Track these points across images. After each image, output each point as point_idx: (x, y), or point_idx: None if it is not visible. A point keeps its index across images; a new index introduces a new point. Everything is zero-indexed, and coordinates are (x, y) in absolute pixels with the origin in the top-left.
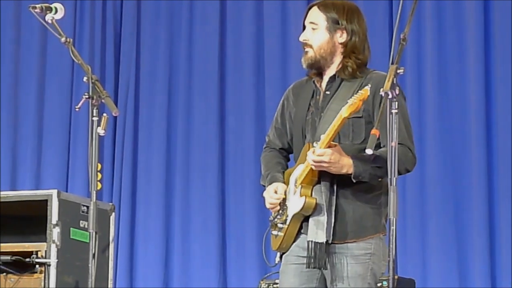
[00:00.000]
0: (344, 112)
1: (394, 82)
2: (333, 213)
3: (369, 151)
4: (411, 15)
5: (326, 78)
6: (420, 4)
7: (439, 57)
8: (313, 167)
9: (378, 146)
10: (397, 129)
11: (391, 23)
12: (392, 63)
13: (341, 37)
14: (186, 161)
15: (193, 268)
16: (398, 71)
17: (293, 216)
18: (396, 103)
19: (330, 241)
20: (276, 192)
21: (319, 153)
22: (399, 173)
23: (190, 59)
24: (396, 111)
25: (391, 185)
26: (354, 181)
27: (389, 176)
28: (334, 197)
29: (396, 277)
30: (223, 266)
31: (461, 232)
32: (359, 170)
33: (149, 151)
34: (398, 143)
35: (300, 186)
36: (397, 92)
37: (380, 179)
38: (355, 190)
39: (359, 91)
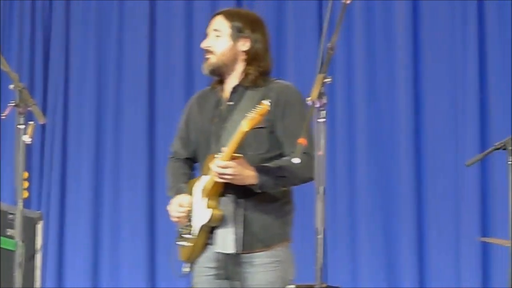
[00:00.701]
0: (244, 126)
1: (322, 91)
2: (240, 224)
3: (296, 160)
4: (338, 24)
5: (228, 87)
6: (349, 12)
7: (369, 65)
8: (217, 178)
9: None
10: (324, 138)
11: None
12: (320, 72)
13: (244, 45)
14: (115, 168)
15: (122, 275)
16: (325, 80)
17: (201, 228)
18: (323, 112)
19: (238, 252)
20: (181, 205)
21: (222, 166)
22: (303, 182)
23: (119, 65)
24: (323, 120)
25: (318, 193)
26: (259, 191)
27: (316, 185)
28: (241, 208)
29: (324, 285)
30: (153, 274)
31: (390, 239)
32: (262, 181)
33: (78, 158)
34: (302, 152)
35: (206, 198)
36: (324, 101)
37: (284, 188)
38: (261, 200)
39: (258, 105)
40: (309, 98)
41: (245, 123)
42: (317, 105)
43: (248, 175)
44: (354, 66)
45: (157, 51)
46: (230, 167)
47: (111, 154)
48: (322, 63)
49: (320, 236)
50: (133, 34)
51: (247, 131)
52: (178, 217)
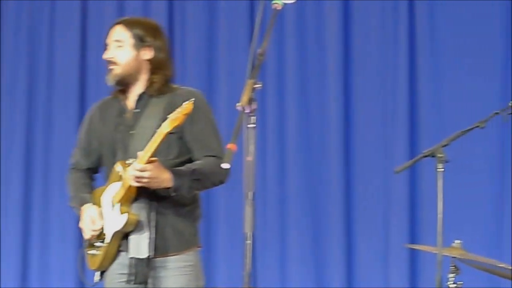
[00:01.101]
0: (166, 127)
1: (251, 97)
2: (153, 228)
3: (225, 166)
4: (269, 30)
5: (133, 95)
6: (281, 17)
7: (300, 71)
8: (133, 183)
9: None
10: (253, 143)
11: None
12: (250, 78)
13: (147, 54)
14: (45, 172)
15: (51, 279)
16: (256, 86)
17: (113, 234)
18: (253, 118)
19: (152, 256)
20: (93, 220)
21: (140, 169)
22: (214, 185)
23: (50, 66)
24: (253, 126)
25: (247, 199)
26: (174, 194)
27: (244, 190)
28: (153, 212)
29: None
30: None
31: (319, 244)
32: (178, 184)
33: (8, 163)
34: (213, 156)
35: (118, 204)
36: (254, 106)
37: (197, 192)
38: (173, 204)
39: (182, 105)
40: (239, 104)
41: (167, 124)
42: (247, 110)
43: (165, 178)
44: (285, 71)
45: (88, 51)
46: (148, 170)
47: (41, 159)
48: (252, 69)
49: (249, 242)
50: (64, 34)
51: (168, 132)
52: (93, 234)
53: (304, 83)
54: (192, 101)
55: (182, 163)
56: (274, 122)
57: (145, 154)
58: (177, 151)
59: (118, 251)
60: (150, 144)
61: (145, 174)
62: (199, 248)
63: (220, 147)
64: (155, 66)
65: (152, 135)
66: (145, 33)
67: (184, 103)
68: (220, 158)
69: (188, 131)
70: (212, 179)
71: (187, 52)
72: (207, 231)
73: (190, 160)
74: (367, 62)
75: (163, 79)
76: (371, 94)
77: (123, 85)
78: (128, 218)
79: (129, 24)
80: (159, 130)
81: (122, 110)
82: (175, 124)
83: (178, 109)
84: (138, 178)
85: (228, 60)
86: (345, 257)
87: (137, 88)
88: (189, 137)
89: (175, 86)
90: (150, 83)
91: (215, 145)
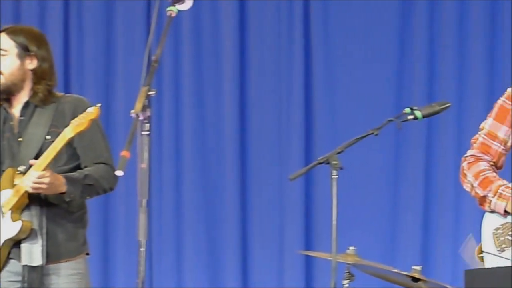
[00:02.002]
0: (69, 132)
1: (146, 104)
2: (45, 235)
3: (119, 173)
4: (163, 37)
5: (17, 104)
6: (176, 25)
7: (196, 77)
8: (30, 190)
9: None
10: (147, 150)
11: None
12: (144, 85)
13: (31, 63)
14: None
15: None
16: (150, 92)
17: (4, 242)
18: (148, 125)
19: (44, 264)
20: None
21: (39, 176)
22: (105, 192)
23: None
24: (147, 133)
25: (140, 206)
26: (68, 199)
27: (139, 198)
28: (45, 219)
29: None
30: None
31: (215, 251)
32: (72, 189)
33: None
34: (103, 163)
35: (9, 211)
36: (148, 113)
37: (88, 198)
38: (63, 211)
39: (87, 110)
40: (133, 111)
41: (70, 129)
42: (141, 117)
43: (59, 184)
44: (181, 77)
45: None
46: (47, 177)
47: None
48: (146, 76)
49: (142, 249)
50: None
51: (71, 137)
52: None
53: (199, 89)
54: (99, 106)
55: (71, 170)
56: (169, 129)
57: (44, 160)
58: (66, 157)
59: (8, 259)
60: (49, 150)
61: (45, 180)
62: (88, 256)
63: (109, 154)
64: (39, 76)
65: (41, 143)
66: (29, 42)
67: (88, 108)
68: (109, 165)
69: (77, 138)
70: (103, 185)
71: (84, 55)
72: (104, 238)
73: (78, 167)
74: (262, 68)
75: (46, 89)
76: (266, 100)
77: (8, 94)
78: (23, 225)
79: (13, 33)
80: (61, 136)
81: (7, 117)
82: (80, 129)
83: (82, 115)
84: (37, 184)
85: (125, 64)
86: (241, 262)
87: (22, 96)
88: (78, 144)
89: (59, 94)
90: (34, 93)
91: (105, 152)
